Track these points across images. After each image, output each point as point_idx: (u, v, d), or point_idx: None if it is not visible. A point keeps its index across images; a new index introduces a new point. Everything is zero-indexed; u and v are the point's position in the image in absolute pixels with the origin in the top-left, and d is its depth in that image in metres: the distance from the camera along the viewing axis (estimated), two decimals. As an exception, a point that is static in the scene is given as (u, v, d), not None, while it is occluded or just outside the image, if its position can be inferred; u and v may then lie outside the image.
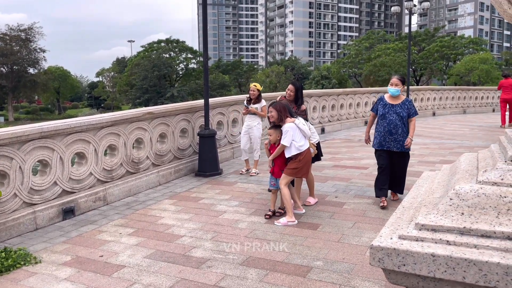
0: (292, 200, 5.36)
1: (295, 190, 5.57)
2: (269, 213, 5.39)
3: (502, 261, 1.43)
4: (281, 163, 5.32)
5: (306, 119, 5.75)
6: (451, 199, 1.70)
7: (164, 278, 3.85)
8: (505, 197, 1.62)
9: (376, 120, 5.93)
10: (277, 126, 5.31)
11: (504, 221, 1.58)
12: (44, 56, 60.47)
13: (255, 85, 8.05)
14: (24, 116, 63.64)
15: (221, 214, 5.61)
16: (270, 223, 5.20)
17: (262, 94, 8.39)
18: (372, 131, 6.07)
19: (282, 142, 5.13)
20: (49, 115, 64.78)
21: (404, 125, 5.60)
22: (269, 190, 5.56)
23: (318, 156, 5.96)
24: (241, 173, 7.94)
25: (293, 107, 5.98)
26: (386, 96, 5.81)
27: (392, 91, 5.65)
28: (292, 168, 5.15)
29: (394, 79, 5.76)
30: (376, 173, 5.97)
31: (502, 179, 1.71)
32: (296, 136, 5.13)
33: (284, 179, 5.16)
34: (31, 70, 60.06)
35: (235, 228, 5.05)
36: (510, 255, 1.46)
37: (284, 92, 6.54)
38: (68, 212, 5.63)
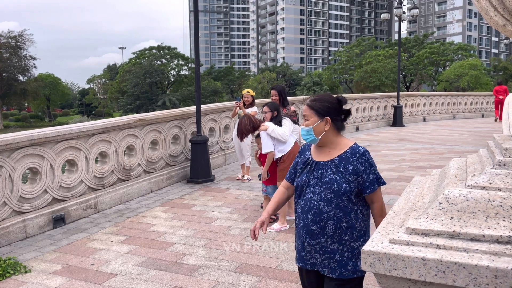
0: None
1: None
2: (273, 216, 5.38)
3: (491, 264, 1.44)
4: (271, 170, 5.30)
5: (294, 121, 5.76)
6: (440, 203, 1.72)
7: (156, 286, 3.82)
8: (493, 201, 1.65)
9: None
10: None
11: (493, 224, 1.60)
12: (34, 64, 60.06)
13: (248, 91, 8.06)
14: (14, 124, 63.00)
15: (213, 221, 5.60)
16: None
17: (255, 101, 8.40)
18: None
19: (262, 151, 5.18)
20: (39, 122, 64.17)
21: (343, 213, 2.27)
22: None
23: None
24: (237, 179, 7.92)
25: (283, 109, 6.04)
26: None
27: (303, 132, 2.39)
28: (280, 170, 5.18)
29: (305, 108, 2.41)
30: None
31: (490, 183, 1.73)
32: (274, 141, 5.18)
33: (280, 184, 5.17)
34: (21, 78, 59.58)
35: (227, 235, 5.04)
36: (499, 258, 1.47)
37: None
38: (58, 220, 5.57)
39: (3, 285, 3.94)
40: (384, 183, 2.35)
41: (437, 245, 1.57)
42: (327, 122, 2.29)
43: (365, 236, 2.38)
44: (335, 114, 2.32)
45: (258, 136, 5.34)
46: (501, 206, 1.62)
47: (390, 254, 1.58)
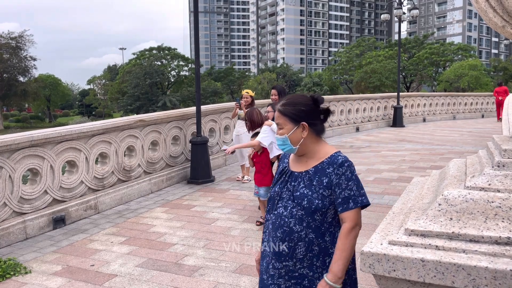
0: None
1: None
2: (261, 219, 5.38)
3: (490, 265, 1.45)
4: (264, 171, 5.22)
5: None
6: (439, 204, 1.72)
7: (156, 286, 3.83)
8: (492, 202, 1.65)
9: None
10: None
11: (491, 226, 1.60)
12: (34, 64, 60.14)
13: (247, 92, 8.06)
14: (14, 125, 63.00)
15: (213, 221, 5.60)
16: (262, 230, 5.20)
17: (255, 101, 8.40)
18: None
19: (256, 138, 5.10)
20: (39, 123, 64.20)
21: (315, 234, 1.94)
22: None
23: None
24: (237, 180, 7.93)
25: None
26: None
27: (278, 142, 2.07)
28: None
29: (277, 115, 2.09)
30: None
31: (489, 184, 1.74)
32: (273, 138, 5.19)
33: None
34: (21, 78, 59.60)
35: (227, 236, 5.04)
36: (498, 259, 1.48)
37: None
38: (58, 221, 5.58)
39: (3, 286, 3.94)
40: (365, 204, 1.91)
41: (436, 246, 1.57)
42: (304, 128, 1.97)
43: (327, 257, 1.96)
44: (312, 117, 1.99)
45: (253, 135, 5.33)
46: (500, 207, 1.62)
47: (389, 255, 1.58)
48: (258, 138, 5.09)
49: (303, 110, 1.98)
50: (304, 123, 1.97)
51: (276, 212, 2.00)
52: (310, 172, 1.96)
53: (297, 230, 1.92)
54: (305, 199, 1.92)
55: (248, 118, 5.39)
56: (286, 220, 1.94)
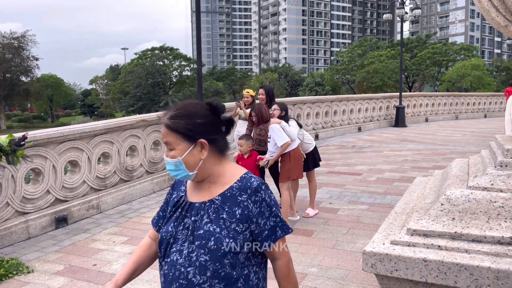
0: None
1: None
2: None
3: (493, 265, 1.44)
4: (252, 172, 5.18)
5: (300, 125, 5.79)
6: (442, 204, 1.71)
7: (158, 286, 3.83)
8: (495, 202, 1.64)
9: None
10: (248, 136, 5.35)
11: (494, 225, 1.60)
12: (37, 64, 60.22)
13: (248, 92, 8.05)
14: (17, 124, 63.19)
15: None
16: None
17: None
18: None
19: (279, 143, 5.06)
20: (42, 123, 64.39)
21: (223, 284, 1.46)
22: None
23: (316, 162, 5.94)
24: None
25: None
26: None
27: (169, 167, 1.55)
28: (284, 170, 5.16)
29: (164, 132, 1.57)
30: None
31: (492, 184, 1.73)
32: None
33: (284, 184, 5.16)
34: (23, 78, 59.75)
35: (229, 235, 5.04)
36: (500, 259, 1.47)
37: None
38: (61, 221, 5.59)
39: (6, 285, 3.95)
40: (288, 231, 1.55)
41: (439, 246, 1.57)
42: (204, 147, 1.50)
43: None
44: (213, 131, 1.51)
45: (241, 138, 5.28)
46: (502, 207, 1.62)
47: (391, 255, 1.58)
48: (279, 141, 5.05)
49: (199, 124, 1.49)
50: (202, 140, 1.49)
51: (169, 260, 1.50)
52: (217, 201, 1.49)
53: (198, 282, 1.43)
54: (212, 238, 1.43)
55: (256, 112, 5.30)
56: (183, 270, 1.45)
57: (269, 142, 5.22)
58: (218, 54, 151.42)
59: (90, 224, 5.71)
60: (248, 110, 7.83)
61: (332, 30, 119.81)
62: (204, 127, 1.50)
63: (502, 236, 1.53)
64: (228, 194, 1.50)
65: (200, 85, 8.12)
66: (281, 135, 5.05)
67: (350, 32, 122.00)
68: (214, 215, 1.47)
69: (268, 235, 1.49)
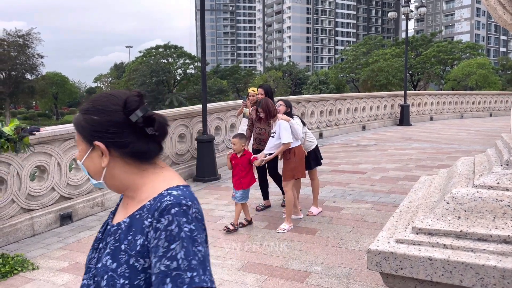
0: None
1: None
2: (230, 226, 5.12)
3: (499, 264, 1.43)
4: (243, 174, 5.14)
5: (303, 123, 5.78)
6: (447, 203, 1.71)
7: None
8: (501, 200, 1.63)
9: None
10: (242, 135, 5.33)
11: (500, 224, 1.59)
12: (42, 62, 60.49)
13: (253, 90, 8.05)
14: (22, 122, 63.48)
15: (219, 219, 5.61)
16: (268, 228, 5.20)
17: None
18: None
19: (284, 141, 5.03)
20: (47, 120, 64.69)
21: None
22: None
23: (318, 160, 5.93)
24: None
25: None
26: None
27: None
28: (289, 169, 5.14)
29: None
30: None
31: (498, 183, 1.72)
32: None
33: (288, 184, 5.15)
34: (29, 76, 60.02)
35: (233, 234, 5.05)
36: (506, 258, 1.46)
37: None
38: (65, 218, 5.61)
39: (11, 281, 3.98)
40: (202, 285, 0.99)
41: (444, 244, 1.56)
42: (105, 153, 1.14)
43: None
44: (119, 132, 1.13)
45: (234, 136, 5.26)
46: (509, 206, 1.61)
47: (396, 254, 1.57)
48: (284, 138, 5.03)
49: (97, 122, 1.13)
50: (97, 143, 1.14)
51: None
52: (123, 225, 1.13)
53: None
54: (105, 277, 1.08)
55: (264, 108, 5.18)
56: None
57: (272, 137, 5.19)
58: (222, 52, 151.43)
59: (94, 221, 5.73)
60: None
61: (337, 28, 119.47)
62: (103, 126, 1.13)
63: (508, 235, 1.52)
64: (138, 215, 1.11)
65: (204, 83, 8.13)
66: (287, 134, 5.04)
67: (354, 30, 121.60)
68: (116, 244, 1.11)
69: (154, 283, 1.01)
